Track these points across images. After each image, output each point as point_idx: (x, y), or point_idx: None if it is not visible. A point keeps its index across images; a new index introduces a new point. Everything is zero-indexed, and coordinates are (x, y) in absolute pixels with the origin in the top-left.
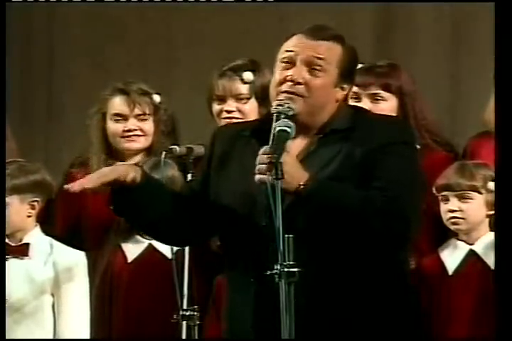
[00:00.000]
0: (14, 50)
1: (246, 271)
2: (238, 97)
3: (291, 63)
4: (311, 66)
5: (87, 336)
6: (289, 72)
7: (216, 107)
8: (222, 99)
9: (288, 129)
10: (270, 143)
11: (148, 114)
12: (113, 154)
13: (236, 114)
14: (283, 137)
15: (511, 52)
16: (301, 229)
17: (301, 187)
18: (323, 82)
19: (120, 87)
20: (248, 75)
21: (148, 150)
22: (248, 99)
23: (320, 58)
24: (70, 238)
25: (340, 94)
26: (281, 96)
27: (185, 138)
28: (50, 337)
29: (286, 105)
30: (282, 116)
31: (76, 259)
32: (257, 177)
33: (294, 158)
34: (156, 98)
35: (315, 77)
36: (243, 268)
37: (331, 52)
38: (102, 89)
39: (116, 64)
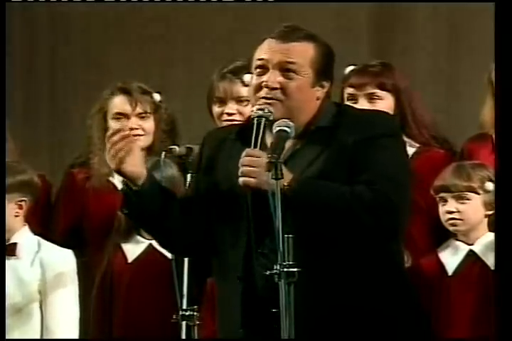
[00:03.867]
0: (14, 50)
1: (232, 273)
2: (239, 100)
3: (264, 69)
4: (284, 70)
5: (76, 333)
6: (264, 78)
7: (217, 109)
8: (223, 102)
9: (287, 129)
10: (253, 144)
11: (149, 113)
12: None
13: (237, 117)
14: (283, 137)
15: (511, 52)
16: (290, 229)
17: (286, 187)
18: (299, 84)
19: (121, 86)
20: (249, 78)
21: (149, 149)
22: (249, 101)
23: (291, 62)
24: (71, 239)
25: (320, 92)
26: (261, 102)
27: (184, 138)
28: (38, 335)
29: (266, 110)
30: (263, 120)
31: (64, 258)
32: (241, 179)
33: None
34: (157, 97)
35: (289, 79)
36: (228, 269)
37: (302, 53)
38: (102, 88)
39: (116, 64)
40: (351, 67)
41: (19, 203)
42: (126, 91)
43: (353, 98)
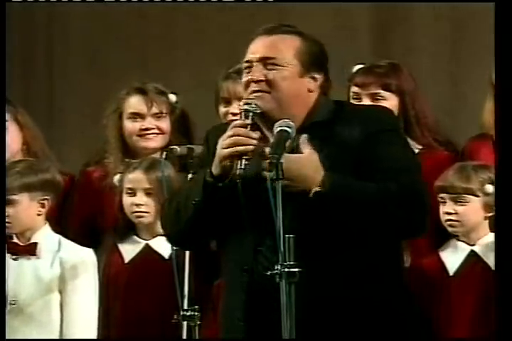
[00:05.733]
0: (14, 50)
1: (238, 271)
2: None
3: (251, 66)
4: (267, 63)
5: (94, 334)
6: (250, 74)
7: (222, 109)
8: (228, 101)
9: (288, 129)
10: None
11: (165, 113)
12: (130, 153)
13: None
14: (283, 137)
15: (511, 52)
16: (316, 229)
17: (318, 188)
18: (284, 75)
19: (137, 86)
20: None
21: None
22: None
23: (274, 52)
24: (86, 238)
25: (312, 84)
26: (249, 97)
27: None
28: (57, 335)
29: (253, 104)
30: (250, 115)
31: (84, 257)
32: (227, 151)
33: (316, 158)
34: (172, 97)
35: (274, 71)
36: (235, 268)
37: (286, 44)
38: (101, 89)
39: (115, 64)
40: (359, 66)
41: (42, 202)
42: (141, 92)
43: (358, 97)
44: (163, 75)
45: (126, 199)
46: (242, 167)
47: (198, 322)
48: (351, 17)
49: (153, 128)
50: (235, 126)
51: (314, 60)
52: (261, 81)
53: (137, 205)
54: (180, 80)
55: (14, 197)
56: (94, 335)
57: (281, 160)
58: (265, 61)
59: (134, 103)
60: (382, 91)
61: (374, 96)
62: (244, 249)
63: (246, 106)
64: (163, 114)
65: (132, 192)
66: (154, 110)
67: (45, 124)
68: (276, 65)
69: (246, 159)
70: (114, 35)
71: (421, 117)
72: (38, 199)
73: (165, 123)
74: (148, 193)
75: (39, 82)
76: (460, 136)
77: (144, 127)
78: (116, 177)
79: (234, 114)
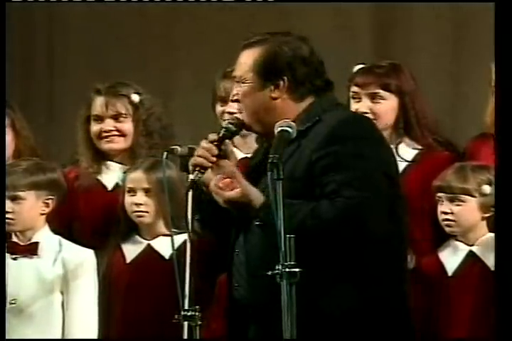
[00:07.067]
0: (14, 50)
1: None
2: None
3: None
4: (236, 80)
5: (96, 334)
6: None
7: (219, 108)
8: (225, 101)
9: (289, 129)
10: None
11: (125, 114)
12: (99, 154)
13: (238, 116)
14: (284, 137)
15: (511, 51)
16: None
17: (257, 222)
18: (244, 92)
19: (97, 87)
20: None
21: (130, 151)
22: None
23: (238, 70)
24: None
25: (277, 92)
26: (228, 116)
27: (186, 138)
28: (59, 335)
29: (235, 123)
30: (223, 131)
31: (85, 257)
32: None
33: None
34: (135, 98)
35: (241, 88)
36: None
37: (246, 59)
38: None
39: (117, 64)
40: (359, 66)
41: (46, 201)
42: (99, 93)
43: (357, 97)
44: (163, 75)
45: (127, 199)
46: (194, 178)
47: (199, 322)
48: (351, 17)
49: (113, 130)
50: (206, 139)
51: (272, 69)
52: (235, 100)
53: (137, 205)
54: (181, 80)
55: (21, 193)
56: (95, 335)
57: (282, 160)
58: (236, 79)
59: (95, 105)
60: (381, 91)
61: (373, 96)
62: (227, 252)
63: (228, 125)
64: (123, 115)
65: (133, 192)
66: (111, 112)
67: (45, 124)
68: (242, 82)
69: (201, 172)
70: (114, 35)
71: (421, 117)
72: (43, 198)
73: (126, 125)
74: (147, 193)
75: (39, 81)
76: (461, 136)
77: (103, 129)
78: (120, 177)
79: (230, 113)
